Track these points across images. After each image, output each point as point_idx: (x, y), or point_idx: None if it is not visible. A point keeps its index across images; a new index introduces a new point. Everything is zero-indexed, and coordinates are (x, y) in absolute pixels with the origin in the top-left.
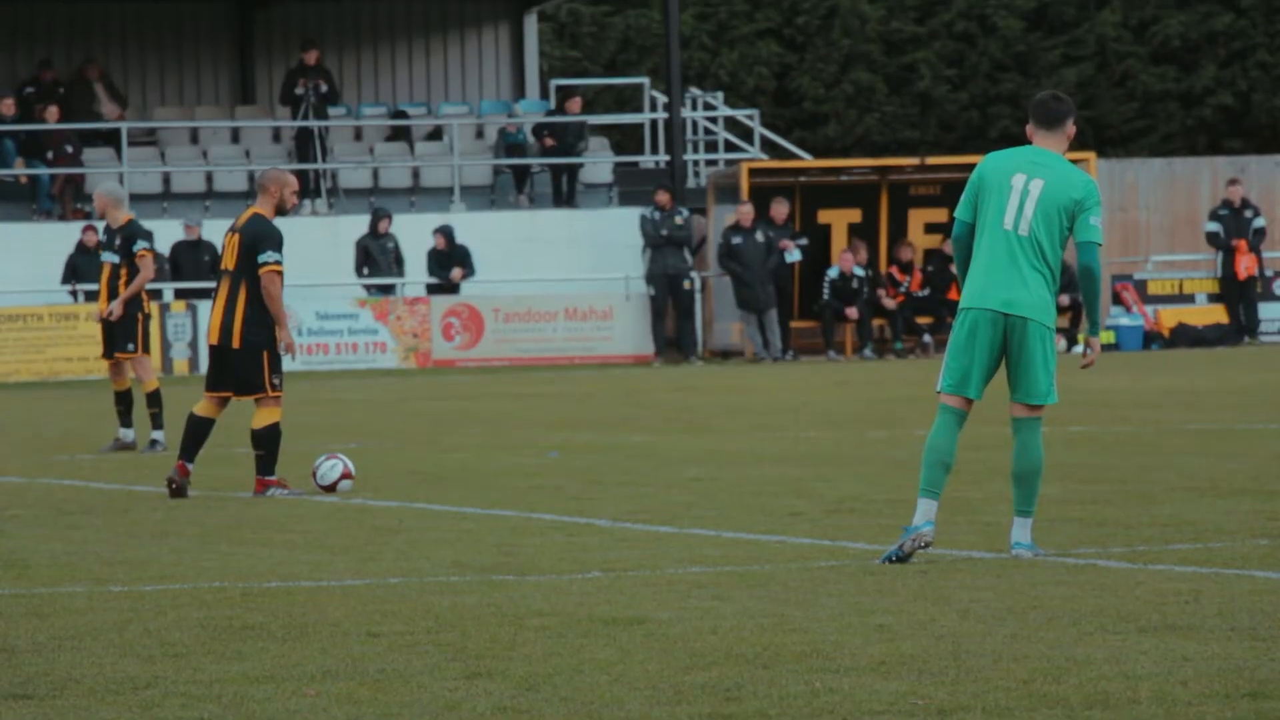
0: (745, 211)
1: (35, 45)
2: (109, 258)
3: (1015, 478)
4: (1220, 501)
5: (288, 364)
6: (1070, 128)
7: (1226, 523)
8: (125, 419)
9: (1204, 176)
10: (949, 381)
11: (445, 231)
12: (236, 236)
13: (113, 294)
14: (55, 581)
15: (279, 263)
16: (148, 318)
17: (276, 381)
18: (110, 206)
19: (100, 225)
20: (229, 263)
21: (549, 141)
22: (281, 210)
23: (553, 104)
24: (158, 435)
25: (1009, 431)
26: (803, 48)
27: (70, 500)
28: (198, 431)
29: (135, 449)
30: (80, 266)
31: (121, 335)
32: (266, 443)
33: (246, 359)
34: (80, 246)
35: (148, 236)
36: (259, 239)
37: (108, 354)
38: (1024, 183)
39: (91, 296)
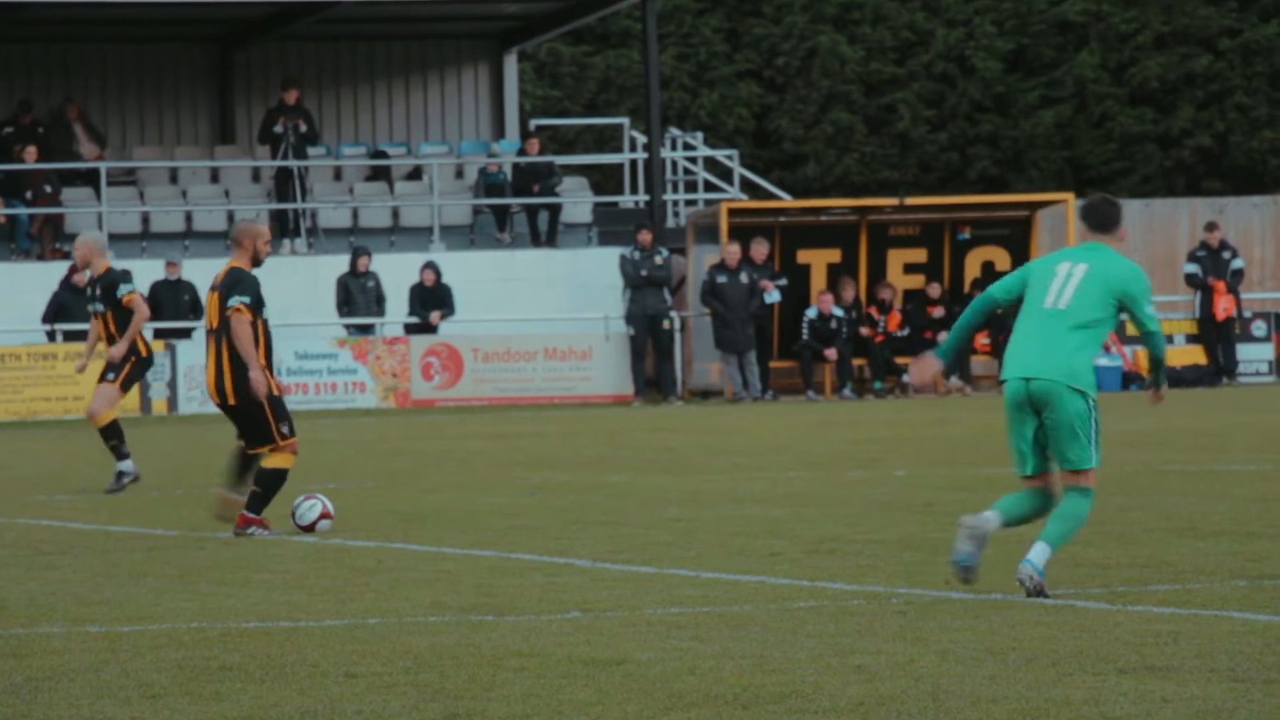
0: (731, 251)
1: (14, 85)
2: (96, 308)
3: (1054, 515)
4: (1199, 542)
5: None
6: (1122, 231)
7: (1205, 564)
8: (120, 451)
9: (1182, 217)
10: (1014, 466)
11: (434, 267)
12: (216, 294)
13: (109, 342)
14: (32, 622)
15: (245, 304)
16: (143, 361)
17: (285, 430)
18: (95, 255)
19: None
20: (212, 321)
21: (536, 188)
22: (257, 261)
23: (537, 143)
24: (124, 466)
25: (991, 473)
26: (782, 89)
27: (47, 540)
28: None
29: (138, 479)
30: (66, 304)
31: (110, 368)
32: (267, 482)
33: (248, 413)
34: (67, 285)
35: (128, 278)
36: (231, 288)
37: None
38: (1068, 269)
39: (72, 336)
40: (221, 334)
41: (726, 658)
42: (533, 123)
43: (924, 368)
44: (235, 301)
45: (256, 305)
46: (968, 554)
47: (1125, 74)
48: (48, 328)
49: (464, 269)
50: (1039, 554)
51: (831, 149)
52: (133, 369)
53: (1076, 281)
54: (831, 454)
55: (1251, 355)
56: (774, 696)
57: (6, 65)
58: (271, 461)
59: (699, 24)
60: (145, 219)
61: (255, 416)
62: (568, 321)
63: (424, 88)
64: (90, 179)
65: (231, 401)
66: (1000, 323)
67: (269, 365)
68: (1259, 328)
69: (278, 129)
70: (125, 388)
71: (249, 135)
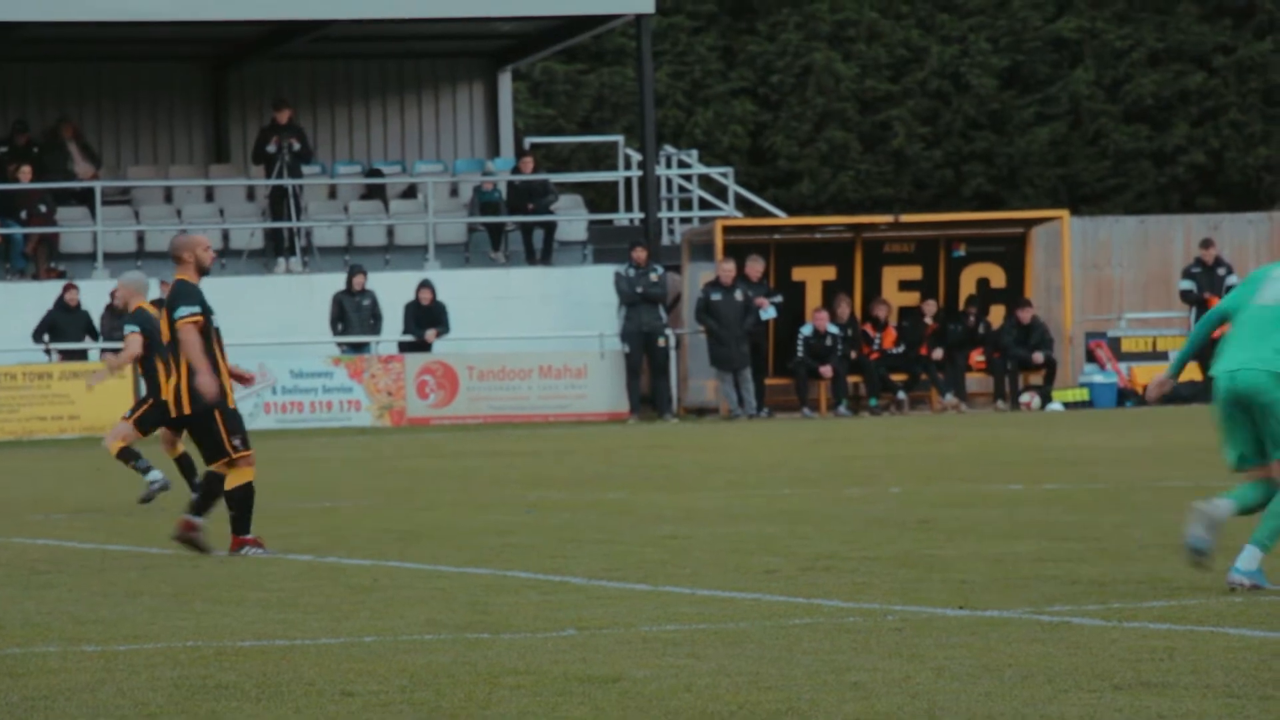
0: (726, 269)
1: (9, 105)
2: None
3: (1267, 514)
4: None
5: (254, 421)
6: None
7: (1201, 580)
8: (140, 468)
9: (1177, 234)
10: (1226, 460)
11: (430, 286)
12: (164, 310)
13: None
14: (29, 641)
15: (195, 314)
16: (162, 405)
17: (237, 443)
18: (133, 296)
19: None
20: (165, 335)
21: (530, 206)
22: (203, 270)
23: (531, 162)
24: (152, 476)
25: (986, 489)
26: (777, 106)
27: (44, 560)
28: (214, 489)
29: (167, 487)
30: (58, 323)
31: (132, 409)
32: (239, 503)
33: (200, 426)
34: (61, 304)
35: (139, 320)
36: (173, 300)
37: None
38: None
39: (67, 355)
40: (175, 347)
41: (722, 675)
42: (527, 141)
43: (1158, 388)
44: (185, 312)
45: (206, 314)
46: (1200, 538)
47: (1120, 91)
48: (41, 346)
49: (459, 287)
50: (1248, 559)
51: (826, 166)
52: (150, 410)
53: None
54: (827, 471)
55: None
56: (770, 714)
57: (2, 85)
58: (233, 480)
59: (693, 42)
60: (140, 238)
61: (209, 429)
62: (563, 339)
63: (418, 106)
64: (85, 198)
65: (187, 412)
66: (995, 340)
67: (227, 380)
68: None
69: (270, 148)
70: (141, 428)
71: (244, 154)
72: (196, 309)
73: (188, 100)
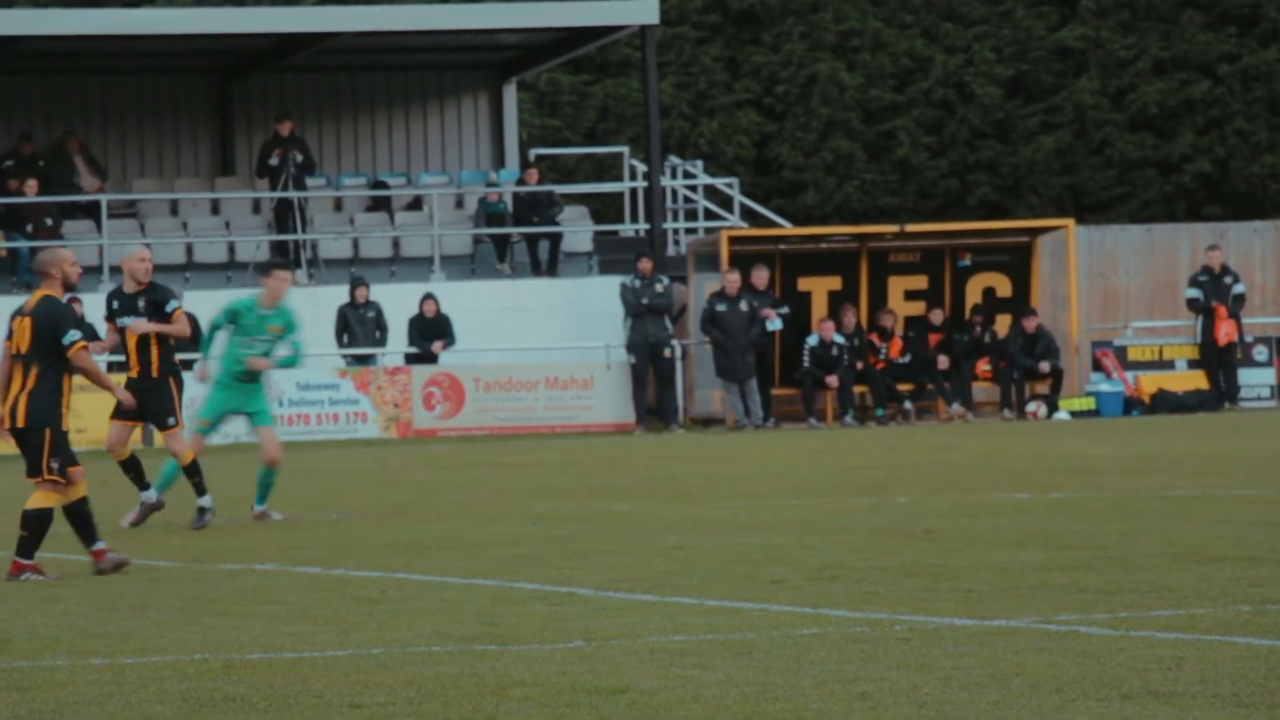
0: (731, 279)
1: (15, 119)
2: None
3: None
4: (1201, 567)
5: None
6: None
7: (1208, 589)
8: (141, 483)
9: (1183, 243)
10: None
11: (433, 298)
12: (28, 319)
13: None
14: (36, 655)
15: (82, 339)
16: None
17: (54, 466)
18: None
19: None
20: (21, 346)
21: (536, 218)
22: (69, 286)
23: (536, 173)
24: (204, 502)
25: (993, 499)
26: (782, 116)
27: (51, 572)
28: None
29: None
30: None
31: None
32: (32, 525)
33: (30, 439)
34: None
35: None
36: (54, 321)
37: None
38: None
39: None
40: (32, 360)
41: (730, 685)
42: (532, 152)
43: None
44: (75, 337)
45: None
46: None
47: (1125, 100)
48: None
49: (465, 299)
50: None
51: (831, 176)
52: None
53: None
54: (833, 481)
55: (1253, 380)
56: None
57: (6, 98)
58: (34, 502)
59: (698, 53)
60: None
61: (35, 445)
62: (569, 350)
63: (424, 118)
64: (91, 212)
65: (21, 425)
66: (1001, 350)
67: (68, 401)
68: (1260, 352)
69: (273, 161)
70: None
71: (249, 167)
72: (81, 334)
73: (193, 113)
